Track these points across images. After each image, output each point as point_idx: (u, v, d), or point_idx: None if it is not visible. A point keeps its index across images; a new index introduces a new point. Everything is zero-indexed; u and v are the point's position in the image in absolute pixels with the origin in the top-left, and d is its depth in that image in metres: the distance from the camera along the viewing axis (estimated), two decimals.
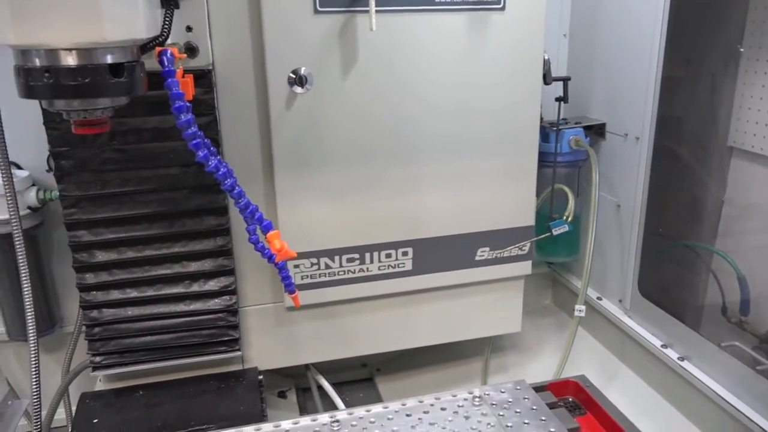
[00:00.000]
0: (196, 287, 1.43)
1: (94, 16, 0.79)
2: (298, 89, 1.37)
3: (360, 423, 1.15)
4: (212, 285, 1.44)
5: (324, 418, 1.17)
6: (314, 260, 1.51)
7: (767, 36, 1.61)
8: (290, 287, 1.23)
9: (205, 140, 1.09)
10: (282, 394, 1.86)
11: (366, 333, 1.65)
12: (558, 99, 1.69)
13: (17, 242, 1.26)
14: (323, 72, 1.37)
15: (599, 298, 1.91)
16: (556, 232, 1.63)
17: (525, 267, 1.68)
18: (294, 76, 1.36)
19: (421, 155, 1.50)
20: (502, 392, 1.23)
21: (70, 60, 0.83)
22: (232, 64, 1.35)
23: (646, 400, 1.67)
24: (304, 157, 1.43)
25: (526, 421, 1.15)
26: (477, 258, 1.63)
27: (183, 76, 1.04)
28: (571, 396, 1.32)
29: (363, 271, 1.55)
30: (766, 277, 1.70)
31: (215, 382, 1.51)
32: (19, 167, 1.64)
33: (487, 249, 1.63)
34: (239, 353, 1.52)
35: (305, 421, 1.16)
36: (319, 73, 1.37)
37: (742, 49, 1.68)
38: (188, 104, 1.00)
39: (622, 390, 1.69)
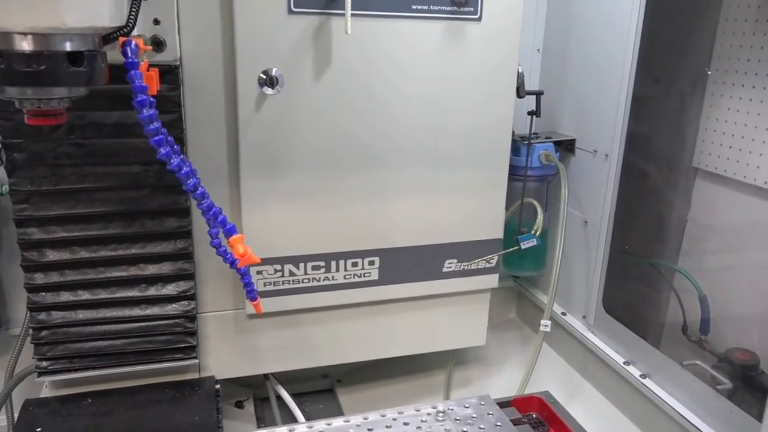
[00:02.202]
0: (153, 291, 1.37)
1: (53, 0, 0.74)
2: (269, 90, 1.33)
3: None
4: (170, 289, 1.38)
5: (282, 430, 1.12)
6: (278, 267, 1.46)
7: (734, 60, 1.64)
8: (252, 294, 1.18)
9: (169, 138, 1.04)
10: (239, 405, 1.80)
11: (329, 343, 1.61)
12: (530, 113, 1.69)
13: None
14: (295, 74, 1.34)
15: (563, 314, 1.91)
16: (524, 246, 1.62)
17: (492, 280, 1.67)
18: (265, 77, 1.32)
19: (390, 165, 1.47)
20: (466, 407, 1.21)
21: (25, 45, 0.78)
22: (200, 61, 1.30)
23: (609, 417, 1.67)
24: (271, 161, 1.39)
25: None
26: (444, 269, 1.61)
27: (148, 70, 0.99)
28: (535, 412, 1.31)
29: (328, 279, 1.52)
30: (726, 296, 1.73)
31: (170, 390, 1.45)
32: None
33: (455, 261, 1.61)
34: (196, 361, 1.46)
35: None
36: (290, 75, 1.34)
37: (709, 72, 1.71)
38: (152, 99, 0.95)
39: (584, 406, 1.69)
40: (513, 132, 1.80)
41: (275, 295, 1.48)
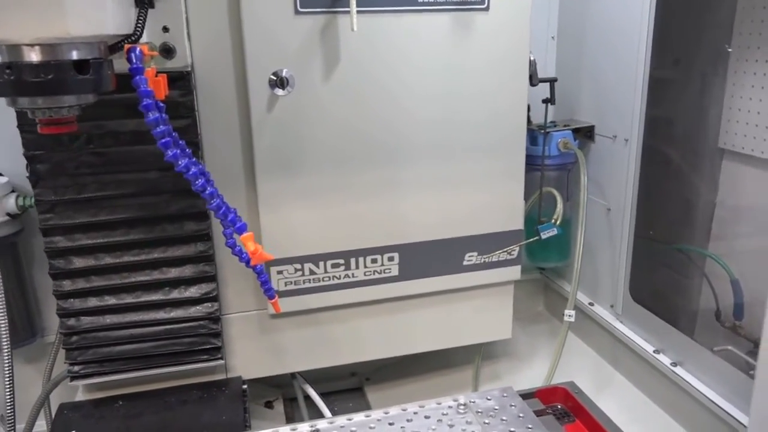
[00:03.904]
0: (176, 294, 1.39)
1: (57, 11, 0.77)
2: (280, 91, 1.34)
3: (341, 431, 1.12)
4: (193, 292, 1.40)
5: (304, 427, 1.14)
6: (298, 266, 1.48)
7: (755, 36, 1.59)
8: (269, 292, 1.20)
9: (180, 141, 1.07)
10: (269, 405, 1.82)
11: (353, 341, 1.62)
12: (545, 101, 1.67)
13: None
14: (305, 74, 1.35)
15: (591, 304, 1.88)
16: (544, 235, 1.60)
17: (514, 272, 1.65)
18: (275, 78, 1.33)
19: (404, 160, 1.47)
20: (488, 399, 1.20)
21: (33, 56, 0.80)
22: (212, 66, 1.33)
23: (639, 407, 1.64)
24: (285, 161, 1.40)
25: (512, 429, 1.12)
26: (465, 263, 1.60)
27: (156, 76, 1.01)
28: (560, 403, 1.29)
29: (348, 276, 1.52)
30: (760, 280, 1.67)
31: (197, 391, 1.47)
32: None
33: (475, 254, 1.60)
34: (221, 362, 1.48)
35: (284, 430, 1.13)
36: (300, 75, 1.35)
37: (730, 50, 1.66)
38: (159, 103, 0.97)
39: (614, 397, 1.66)
40: (530, 121, 1.80)
41: (296, 294, 1.50)
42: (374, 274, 1.54)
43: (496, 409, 1.17)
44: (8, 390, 1.21)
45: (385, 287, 1.56)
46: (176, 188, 1.34)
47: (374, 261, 1.53)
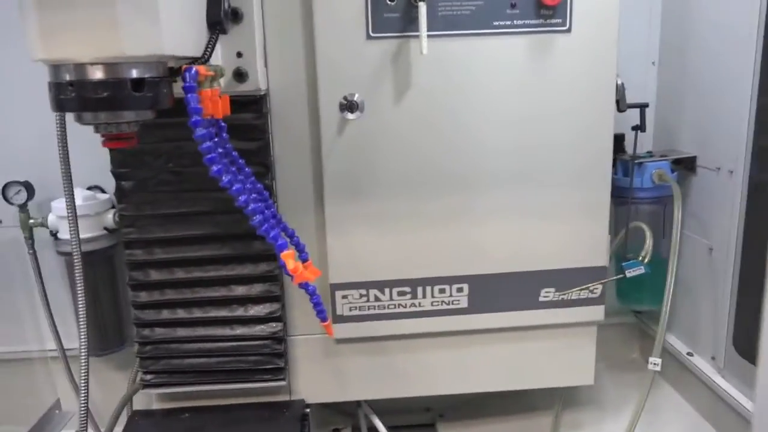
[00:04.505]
0: (241, 311, 1.42)
1: (113, 32, 0.82)
2: (350, 115, 1.35)
3: None
4: (258, 310, 1.43)
5: None
6: (363, 291, 1.46)
7: None
8: (321, 314, 1.19)
9: (240, 160, 1.10)
10: None
11: (419, 373, 1.56)
12: (635, 128, 1.54)
13: (76, 261, 1.31)
14: (375, 99, 1.35)
15: (690, 354, 1.69)
16: (629, 273, 1.47)
17: (597, 312, 1.52)
18: (345, 102, 1.35)
19: (477, 188, 1.42)
20: None
21: (96, 74, 0.86)
22: (286, 90, 1.37)
23: None
24: (354, 185, 1.40)
25: None
26: (541, 299, 1.50)
27: (220, 96, 1.05)
28: None
29: (415, 305, 1.48)
30: None
31: (260, 410, 1.49)
32: (103, 191, 1.75)
33: (553, 290, 1.49)
34: (284, 383, 1.49)
35: None
36: (370, 99, 1.35)
37: None
38: (221, 122, 1.01)
39: None
40: (624, 151, 1.68)
41: (361, 321, 1.48)
42: (442, 304, 1.49)
43: None
44: (83, 394, 1.28)
45: (453, 319, 1.50)
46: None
47: (442, 291, 1.48)
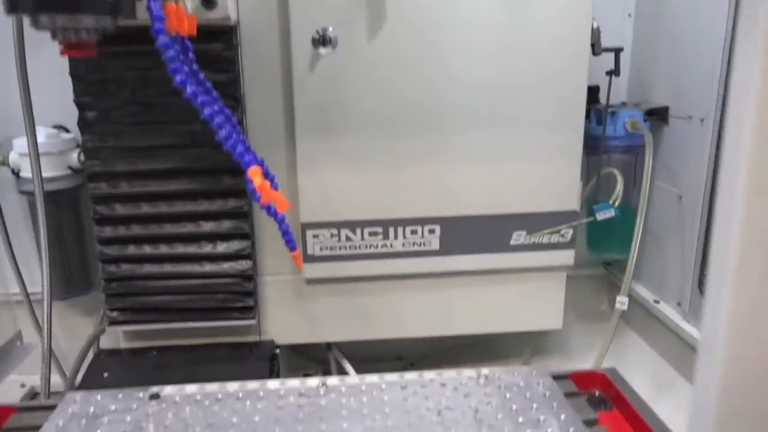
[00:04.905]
0: (210, 248, 1.40)
1: None
2: (323, 50, 1.32)
3: (350, 390, 1.07)
4: (226, 247, 1.41)
5: (314, 381, 1.09)
6: (334, 231, 1.44)
7: None
8: (291, 243, 1.17)
9: (207, 83, 1.07)
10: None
11: (390, 315, 1.56)
12: (609, 72, 1.54)
13: (39, 200, 1.27)
14: (349, 33, 1.32)
15: (656, 301, 1.71)
16: (600, 216, 1.48)
17: (567, 256, 1.53)
18: (318, 36, 1.31)
19: (452, 127, 1.40)
20: (515, 375, 1.11)
21: None
22: (257, 23, 1.34)
23: None
24: (326, 122, 1.38)
25: (535, 406, 1.02)
26: (512, 242, 1.50)
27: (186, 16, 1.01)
28: (598, 390, 1.17)
29: (386, 246, 1.47)
30: None
31: (228, 350, 1.48)
32: (67, 130, 1.70)
33: (524, 233, 1.50)
34: (253, 322, 1.47)
35: (293, 383, 1.09)
36: (345, 33, 1.32)
37: None
38: (178, 37, 0.98)
39: (676, 402, 1.49)
40: (598, 101, 1.68)
41: (331, 261, 1.46)
42: (413, 246, 1.48)
43: (520, 386, 1.07)
44: (47, 333, 1.26)
45: (424, 260, 1.49)
46: (216, 142, 1.34)
47: (414, 232, 1.47)
